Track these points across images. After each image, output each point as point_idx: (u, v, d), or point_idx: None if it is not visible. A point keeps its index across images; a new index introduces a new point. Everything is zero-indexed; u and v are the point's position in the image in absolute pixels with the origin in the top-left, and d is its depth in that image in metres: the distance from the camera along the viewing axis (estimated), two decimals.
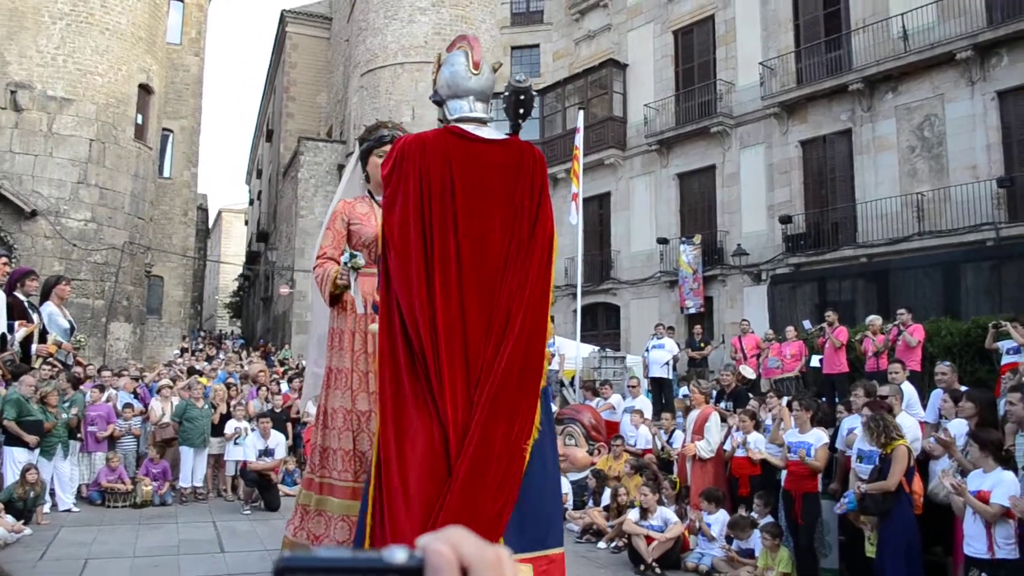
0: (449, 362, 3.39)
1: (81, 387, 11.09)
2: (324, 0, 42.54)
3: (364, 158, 4.78)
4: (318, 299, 4.60)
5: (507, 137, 3.82)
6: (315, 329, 4.84)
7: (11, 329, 8.08)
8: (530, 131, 26.58)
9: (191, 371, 16.20)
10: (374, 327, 4.06)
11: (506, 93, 3.89)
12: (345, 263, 4.24)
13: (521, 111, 3.88)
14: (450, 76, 3.80)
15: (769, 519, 7.49)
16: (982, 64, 16.11)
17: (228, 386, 13.01)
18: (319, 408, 4.57)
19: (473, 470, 3.34)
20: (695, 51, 22.73)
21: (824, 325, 12.69)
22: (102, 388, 11.68)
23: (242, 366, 17.68)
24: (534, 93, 3.97)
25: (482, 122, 3.78)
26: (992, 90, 16.02)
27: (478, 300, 3.49)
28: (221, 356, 20.22)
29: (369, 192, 4.83)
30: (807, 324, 13.59)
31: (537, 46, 28.23)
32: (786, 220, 18.94)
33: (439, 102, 3.90)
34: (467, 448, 3.35)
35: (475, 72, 3.78)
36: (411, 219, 3.47)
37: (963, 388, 8.01)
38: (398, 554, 0.63)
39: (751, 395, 11.12)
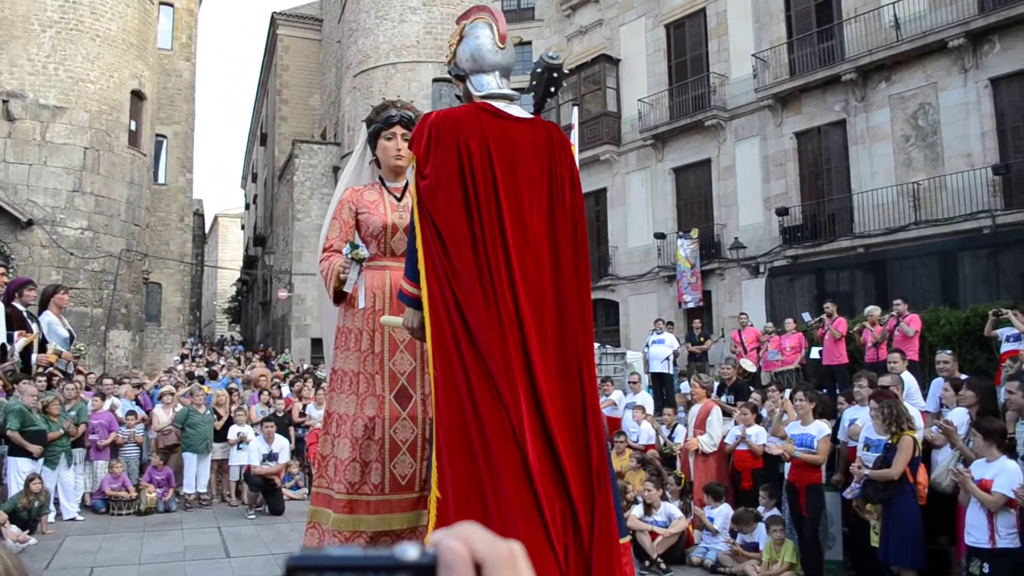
0: (515, 354, 3.16)
1: (83, 395, 11.08)
2: (315, 2, 42.52)
3: (372, 141, 4.45)
4: (325, 297, 4.28)
5: (532, 116, 3.62)
6: (328, 331, 4.48)
7: (11, 339, 8.09)
8: None
9: (190, 376, 16.21)
10: (386, 318, 3.84)
11: (538, 70, 3.72)
12: (346, 255, 3.93)
13: (552, 89, 3.73)
14: (475, 49, 3.57)
15: (775, 512, 7.51)
16: (974, 52, 16.13)
17: (230, 391, 13.01)
18: (325, 413, 4.32)
19: (605, 476, 3.27)
20: (687, 44, 22.74)
21: (823, 317, 12.72)
22: (103, 396, 11.69)
23: (242, 371, 17.68)
24: (567, 71, 3.96)
25: (509, 99, 3.57)
26: (985, 77, 16.04)
27: (527, 289, 3.26)
28: (222, 362, 20.20)
29: (380, 179, 4.51)
30: (806, 316, 13.62)
31: (530, 43, 28.22)
32: (783, 212, 18.96)
33: (460, 76, 3.65)
34: (594, 460, 3.21)
35: (501, 46, 3.58)
36: (456, 205, 3.23)
37: (963, 377, 8.03)
38: (410, 551, 0.61)
39: (752, 388, 11.13)
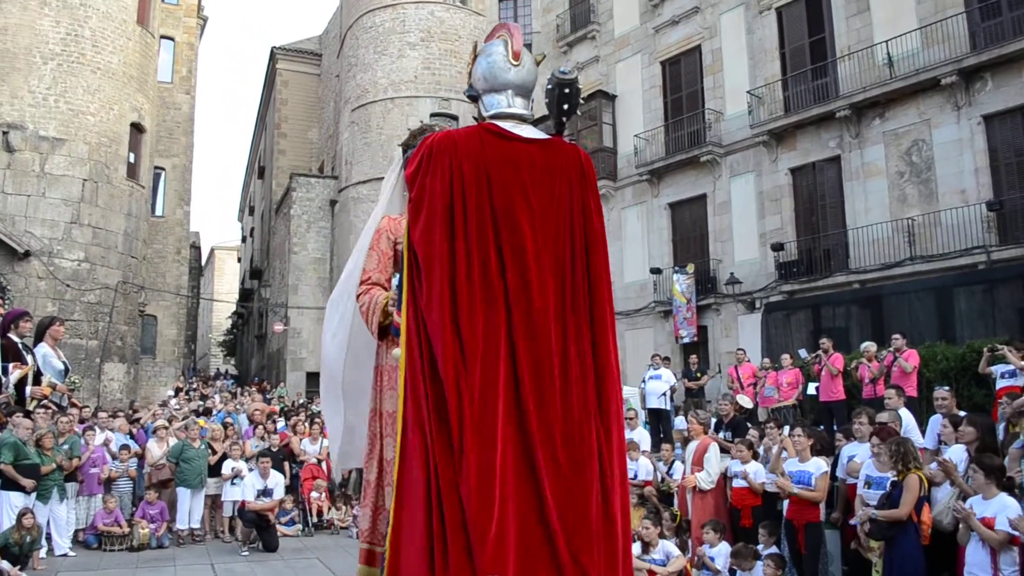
0: (504, 395, 2.85)
1: (76, 429, 11.01)
2: (314, 37, 42.94)
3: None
4: (362, 331, 3.81)
5: (550, 137, 3.34)
6: (348, 368, 3.96)
7: (5, 371, 8.04)
8: None
9: (195, 412, 16.12)
10: (397, 352, 3.43)
11: (549, 86, 3.43)
12: (397, 287, 3.57)
13: (566, 106, 3.42)
14: (487, 67, 3.35)
15: (773, 550, 7.45)
16: (967, 89, 16.30)
17: (225, 426, 12.94)
18: (376, 460, 3.80)
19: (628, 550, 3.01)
20: (683, 81, 22.94)
21: (820, 352, 12.72)
22: (92, 428, 11.61)
23: (236, 407, 17.58)
24: (580, 87, 3.46)
25: (522, 119, 3.32)
26: (978, 114, 16.19)
27: (527, 328, 2.93)
28: (217, 397, 20.10)
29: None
30: (803, 352, 13.62)
31: None
32: (778, 248, 19.02)
33: (474, 97, 3.44)
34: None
35: (515, 63, 3.32)
36: (436, 227, 2.98)
37: (962, 413, 8.01)
38: None
39: (749, 425, 11.09)
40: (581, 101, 3.50)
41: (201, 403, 18.95)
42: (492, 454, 2.76)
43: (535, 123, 3.40)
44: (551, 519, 2.78)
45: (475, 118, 3.45)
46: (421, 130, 4.07)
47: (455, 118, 28.19)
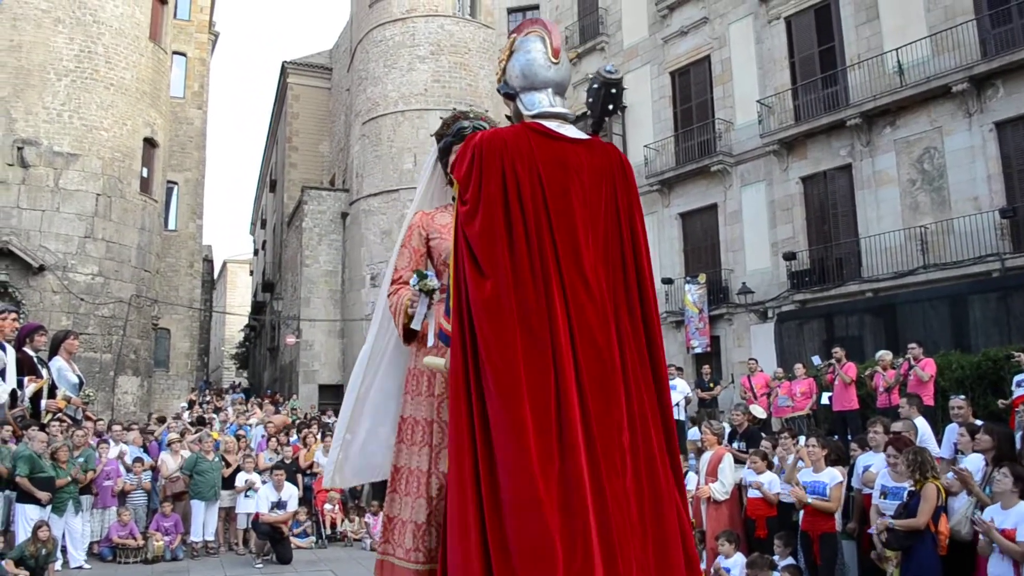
0: (566, 411, 2.72)
1: (91, 441, 11.05)
2: (325, 51, 43.18)
3: (443, 157, 3.87)
4: (388, 333, 3.62)
5: (590, 137, 3.23)
6: (379, 374, 3.72)
7: (21, 385, 8.10)
8: None
9: (200, 421, 16.15)
10: (429, 359, 3.37)
11: (595, 85, 3.34)
12: (413, 286, 3.43)
13: (611, 106, 3.33)
14: (525, 64, 3.21)
15: (789, 561, 7.40)
16: (978, 96, 16.25)
17: (238, 438, 12.97)
18: (392, 467, 3.66)
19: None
20: (692, 91, 22.96)
21: (832, 361, 12.67)
22: (106, 441, 11.65)
23: (248, 419, 17.59)
24: (624, 87, 3.57)
25: (565, 118, 3.20)
26: (990, 121, 16.14)
27: (580, 331, 2.82)
28: (230, 410, 20.14)
29: (454, 198, 3.77)
30: (816, 360, 13.56)
31: None
32: (790, 257, 18.97)
33: (510, 95, 3.30)
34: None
35: (555, 61, 3.21)
36: (497, 228, 2.85)
37: (978, 422, 7.95)
38: None
39: (763, 435, 11.04)
40: (625, 87, 3.37)
41: (206, 415, 18.98)
42: (573, 464, 2.64)
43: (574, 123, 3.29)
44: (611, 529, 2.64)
45: (509, 116, 3.35)
46: (455, 118, 3.92)
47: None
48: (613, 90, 3.30)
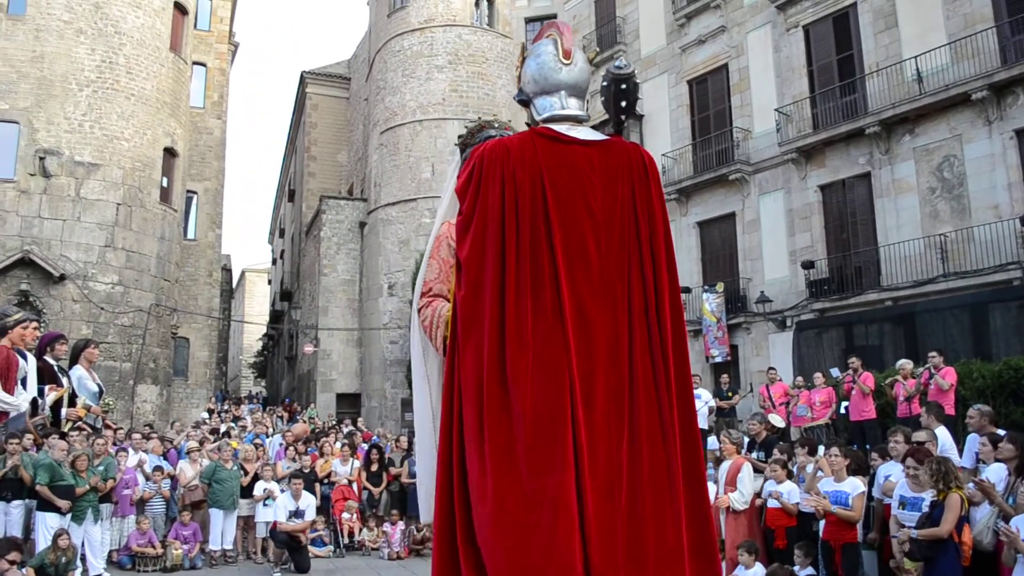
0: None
1: (110, 449, 11.11)
2: (343, 61, 43.41)
3: None
4: (429, 352, 3.38)
5: (609, 137, 3.08)
6: (427, 401, 3.45)
7: (41, 393, 8.15)
8: None
9: (215, 432, 16.19)
10: None
11: (604, 83, 3.20)
12: None
13: (623, 103, 3.20)
14: (536, 69, 3.10)
15: (810, 571, 7.34)
16: (998, 104, 16.14)
17: (256, 447, 13.01)
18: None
19: None
20: (710, 100, 22.93)
21: (851, 371, 12.58)
22: (124, 450, 11.71)
23: (266, 427, 17.63)
24: (638, 81, 3.20)
25: (577, 120, 3.06)
26: (1010, 129, 16.02)
27: (587, 339, 2.71)
28: (248, 419, 20.20)
29: None
30: (835, 371, 13.47)
31: None
32: (808, 265, 18.87)
33: (525, 101, 3.18)
34: None
35: (566, 62, 3.07)
36: (489, 240, 2.78)
37: (1001, 431, 7.86)
38: None
39: (782, 443, 10.98)
40: (640, 97, 3.23)
41: (224, 423, 19.04)
42: (552, 479, 2.52)
43: (596, 127, 3.16)
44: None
45: (528, 124, 3.22)
46: (480, 127, 3.79)
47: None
48: (623, 86, 3.17)
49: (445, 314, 3.18)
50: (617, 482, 2.63)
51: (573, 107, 3.05)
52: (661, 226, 2.98)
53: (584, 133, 3.01)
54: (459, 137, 3.87)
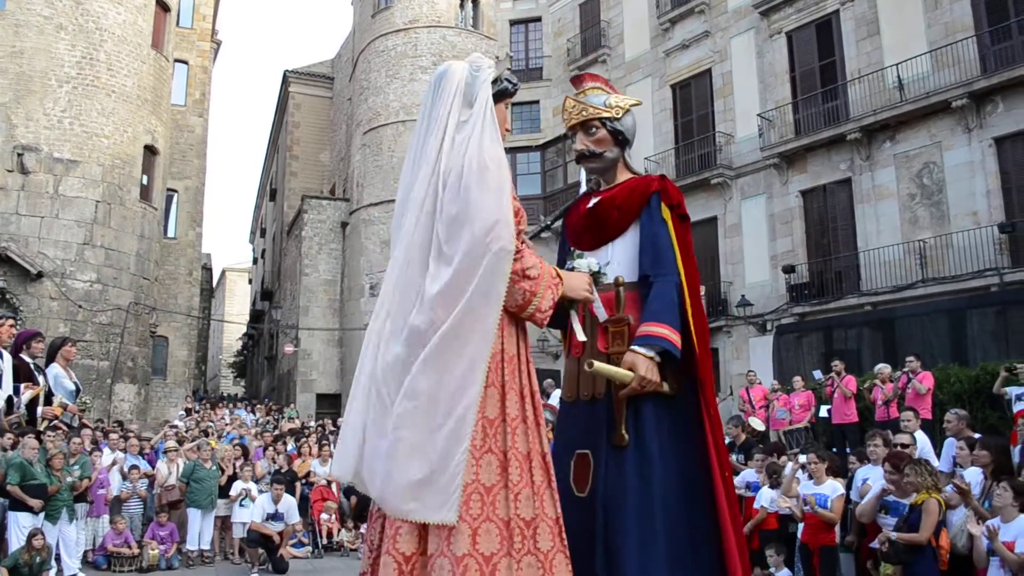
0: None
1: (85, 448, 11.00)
2: (326, 60, 43.23)
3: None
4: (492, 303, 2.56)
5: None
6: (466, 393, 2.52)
7: (17, 391, 8.06)
8: (532, 186, 26.80)
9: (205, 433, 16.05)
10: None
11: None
12: (589, 270, 3.10)
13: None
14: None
15: (786, 572, 7.36)
16: (978, 111, 16.30)
17: (242, 448, 12.92)
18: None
19: None
20: (693, 104, 23.03)
21: (833, 374, 12.65)
22: (99, 449, 11.59)
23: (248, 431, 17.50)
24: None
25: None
26: (989, 137, 16.19)
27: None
28: (227, 419, 20.03)
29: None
30: (817, 374, 13.55)
31: (537, 102, 28.61)
32: (789, 270, 18.98)
33: (627, 142, 3.65)
34: None
35: None
36: None
37: (977, 436, 7.92)
38: None
39: (761, 447, 11.01)
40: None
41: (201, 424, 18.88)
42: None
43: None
44: None
45: (622, 136, 3.56)
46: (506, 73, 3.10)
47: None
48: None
49: (580, 285, 2.94)
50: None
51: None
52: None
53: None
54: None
